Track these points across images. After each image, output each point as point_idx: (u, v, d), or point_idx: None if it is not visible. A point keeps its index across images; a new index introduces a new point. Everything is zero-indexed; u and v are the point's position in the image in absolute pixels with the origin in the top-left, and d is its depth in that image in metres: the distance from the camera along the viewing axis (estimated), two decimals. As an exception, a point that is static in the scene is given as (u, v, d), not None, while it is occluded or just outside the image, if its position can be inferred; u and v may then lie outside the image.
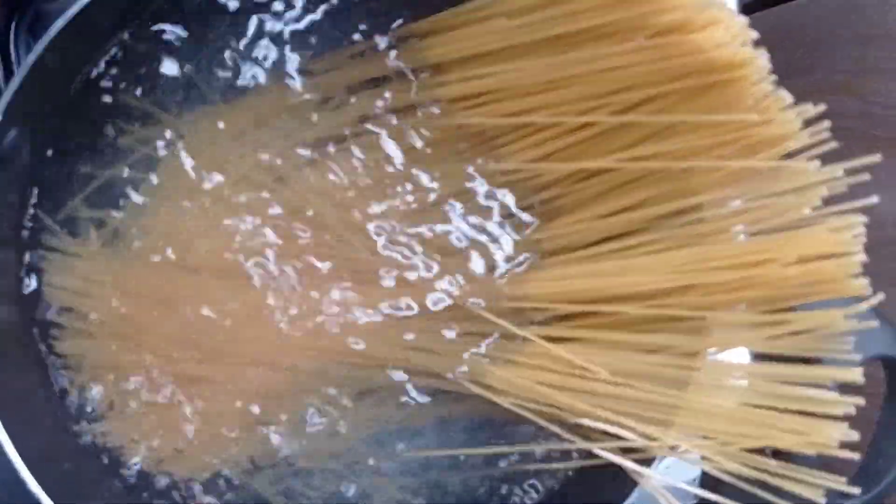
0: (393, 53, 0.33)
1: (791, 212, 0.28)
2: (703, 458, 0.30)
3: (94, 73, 0.33)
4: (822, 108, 0.26)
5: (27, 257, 0.33)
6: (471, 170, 0.34)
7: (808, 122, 0.27)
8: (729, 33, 0.26)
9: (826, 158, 0.27)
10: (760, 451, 0.30)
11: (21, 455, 0.29)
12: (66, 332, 0.33)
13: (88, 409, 0.34)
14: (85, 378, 0.34)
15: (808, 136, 0.27)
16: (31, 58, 0.29)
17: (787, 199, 0.28)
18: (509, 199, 0.34)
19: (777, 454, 0.31)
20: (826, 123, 0.26)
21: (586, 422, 0.32)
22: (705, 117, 0.28)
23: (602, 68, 0.28)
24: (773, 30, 0.28)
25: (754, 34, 0.27)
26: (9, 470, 0.29)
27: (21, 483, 0.29)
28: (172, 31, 0.34)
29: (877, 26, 0.33)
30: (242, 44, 0.34)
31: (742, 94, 0.27)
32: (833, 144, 0.27)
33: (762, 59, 0.27)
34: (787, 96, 0.27)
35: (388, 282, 0.35)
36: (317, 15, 0.34)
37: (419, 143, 0.33)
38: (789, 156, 0.28)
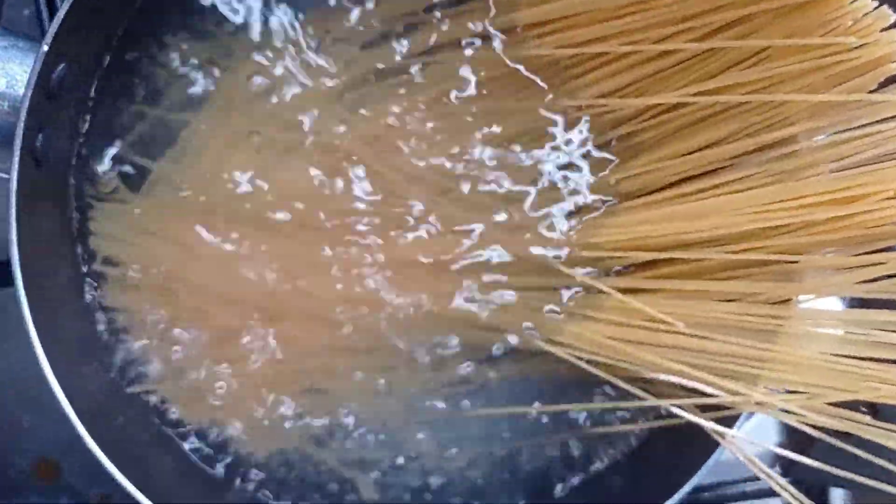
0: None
1: (890, 142, 0.30)
2: (791, 413, 0.33)
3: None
4: (928, 25, 0.28)
5: (74, 204, 0.37)
6: (543, 105, 0.36)
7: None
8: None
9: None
10: (854, 407, 0.32)
11: (76, 411, 0.32)
12: (111, 284, 0.37)
13: (136, 367, 0.37)
14: (131, 333, 0.37)
15: (913, 58, 0.29)
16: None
17: (888, 128, 0.30)
18: (585, 136, 0.36)
19: (873, 409, 0.33)
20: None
21: (664, 377, 0.35)
22: (797, 41, 0.29)
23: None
24: None
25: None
26: (66, 426, 0.32)
27: (79, 439, 0.32)
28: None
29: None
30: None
31: (839, 12, 0.29)
32: (941, 67, 0.29)
33: (862, -27, 0.28)
34: (889, 14, 0.29)
35: (447, 231, 0.37)
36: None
37: (494, 73, 0.35)
38: (891, 80, 0.30)
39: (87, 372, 0.36)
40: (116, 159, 0.37)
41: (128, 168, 0.37)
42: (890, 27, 0.29)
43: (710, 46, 0.31)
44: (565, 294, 0.37)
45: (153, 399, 0.38)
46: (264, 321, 0.37)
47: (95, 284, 0.37)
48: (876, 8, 0.29)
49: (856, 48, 0.29)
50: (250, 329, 0.37)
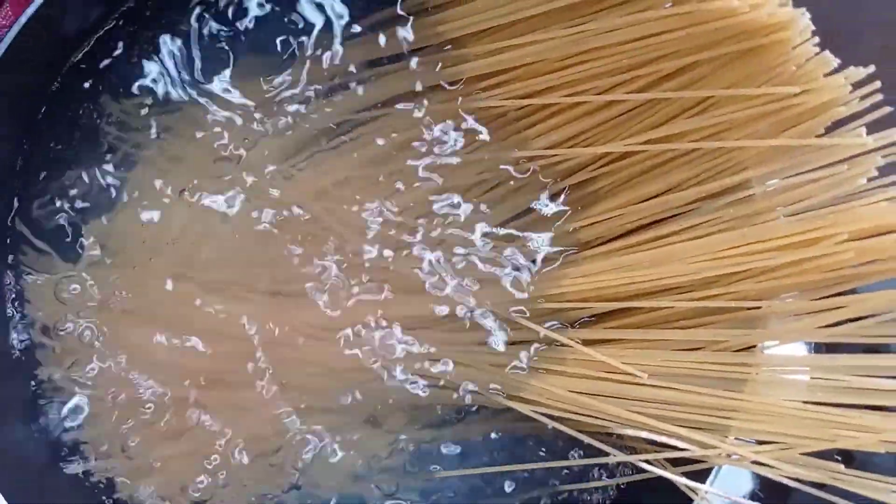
0: (406, 28, 0.36)
1: (844, 184, 0.30)
2: (765, 465, 0.33)
3: (75, 60, 0.37)
4: (871, 68, 0.29)
5: (9, 275, 0.36)
6: (494, 157, 0.36)
7: (857, 86, 0.29)
8: (764, -8, 0.29)
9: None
10: (829, 455, 0.33)
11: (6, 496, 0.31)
12: (49, 354, 0.36)
13: (73, 434, 0.36)
14: (70, 400, 0.36)
15: (858, 102, 0.29)
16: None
17: (840, 171, 0.30)
18: (540, 186, 0.36)
19: (847, 456, 0.33)
20: (877, 84, 0.29)
21: (632, 432, 0.34)
22: (738, 91, 0.30)
23: (626, 39, 0.31)
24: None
25: (793, -8, 0.29)
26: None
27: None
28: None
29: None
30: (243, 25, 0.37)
31: (783, 59, 0.30)
32: (887, 109, 0.29)
33: (803, 19, 0.29)
34: (831, 59, 0.29)
35: (404, 288, 0.37)
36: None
37: (437, 132, 0.36)
38: (840, 122, 0.31)
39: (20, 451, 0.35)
40: (51, 226, 0.37)
41: (61, 233, 0.37)
42: (833, 72, 0.30)
43: (652, 97, 0.32)
44: (527, 348, 0.37)
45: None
46: (205, 389, 0.37)
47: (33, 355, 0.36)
48: (817, 54, 0.30)
49: (802, 94, 0.30)
50: (190, 400, 0.37)
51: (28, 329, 0.36)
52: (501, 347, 0.37)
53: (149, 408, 0.36)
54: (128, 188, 0.37)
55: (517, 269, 0.37)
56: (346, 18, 0.37)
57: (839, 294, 0.32)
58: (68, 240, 0.37)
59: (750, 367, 0.34)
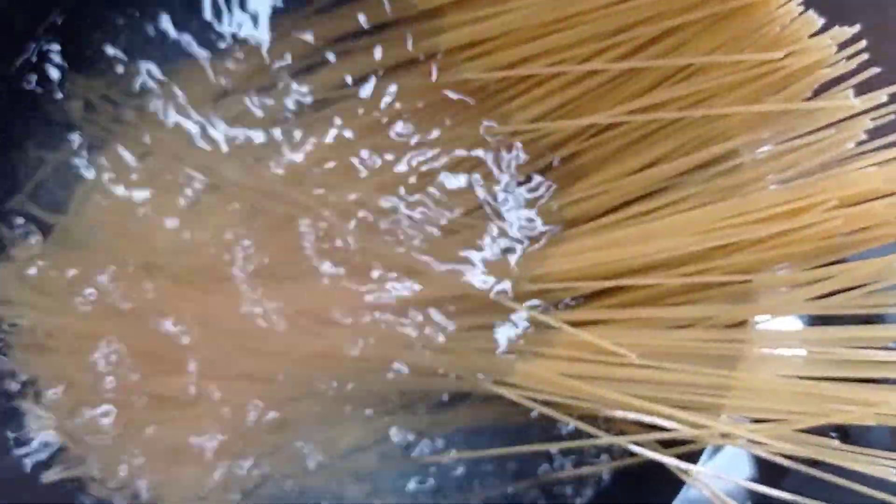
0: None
1: (832, 149, 0.30)
2: (759, 443, 0.32)
3: (36, 46, 0.36)
4: (856, 27, 0.29)
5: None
6: (474, 132, 0.36)
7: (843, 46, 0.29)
8: (746, -49, 0.28)
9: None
10: (824, 431, 0.32)
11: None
12: (14, 348, 0.35)
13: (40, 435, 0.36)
14: (37, 398, 0.35)
15: (845, 63, 0.29)
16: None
17: (828, 135, 0.30)
18: (522, 162, 0.36)
19: (843, 432, 0.33)
20: (863, 43, 0.29)
21: (622, 414, 0.34)
22: (721, 58, 0.30)
23: (605, 3, 0.30)
24: None
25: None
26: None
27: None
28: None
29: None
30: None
31: (766, 19, 0.29)
32: (875, 70, 0.29)
33: (787, -22, 0.29)
34: (816, 19, 0.29)
35: (383, 271, 0.36)
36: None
37: (417, 105, 0.35)
38: (826, 86, 0.30)
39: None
40: (13, 214, 0.36)
41: (26, 222, 0.36)
42: (818, 33, 0.29)
43: (633, 66, 0.31)
44: (513, 331, 0.36)
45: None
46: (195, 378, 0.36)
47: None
48: (802, 13, 0.29)
49: (787, 56, 0.29)
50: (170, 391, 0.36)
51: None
52: (489, 330, 0.36)
53: (115, 402, 0.35)
54: (92, 174, 0.36)
55: (501, 249, 0.37)
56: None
57: (830, 264, 0.32)
58: (28, 227, 0.36)
59: (742, 342, 0.33)
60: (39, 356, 0.35)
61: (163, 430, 0.36)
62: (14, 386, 0.36)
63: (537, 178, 0.37)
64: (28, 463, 0.35)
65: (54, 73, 0.36)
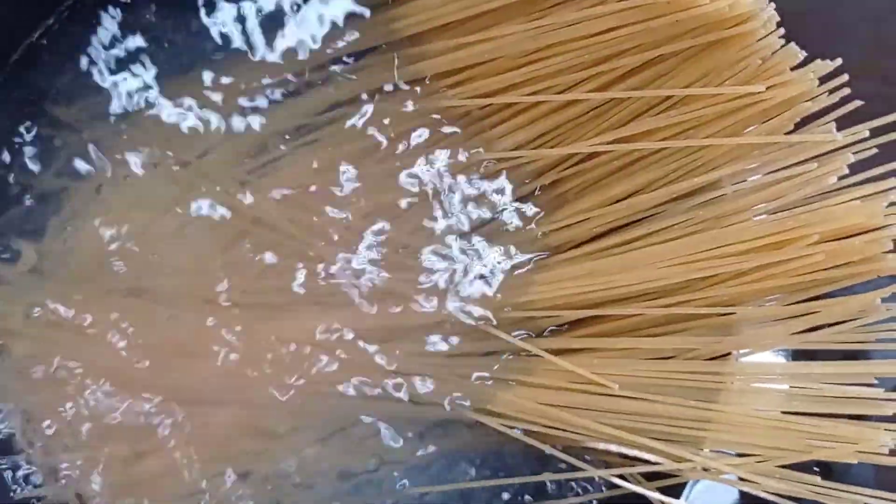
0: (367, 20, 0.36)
1: (815, 183, 0.30)
2: (741, 479, 0.32)
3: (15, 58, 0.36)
4: (838, 61, 0.29)
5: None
6: (459, 158, 0.36)
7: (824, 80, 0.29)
8: (725, -17, 0.28)
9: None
10: (807, 466, 0.32)
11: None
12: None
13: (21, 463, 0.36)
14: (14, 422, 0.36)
15: (827, 97, 0.29)
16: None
17: (810, 169, 0.30)
18: (507, 188, 0.36)
19: (825, 468, 0.32)
20: (845, 77, 0.29)
21: (603, 446, 0.34)
22: (702, 90, 0.30)
23: (584, 34, 0.31)
24: (781, 13, 0.30)
25: (758, -20, 0.29)
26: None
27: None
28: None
29: (893, 2, 0.36)
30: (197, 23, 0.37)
31: (748, 51, 0.29)
32: (858, 102, 0.29)
33: (767, 10, 0.29)
34: (798, 52, 0.29)
35: (367, 298, 0.37)
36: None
37: (403, 129, 0.35)
38: (810, 118, 0.30)
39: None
40: None
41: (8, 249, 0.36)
42: (799, 65, 0.29)
43: (612, 97, 0.31)
44: (495, 359, 0.36)
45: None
46: (174, 405, 0.36)
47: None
48: (783, 46, 0.29)
49: (768, 89, 0.29)
50: (155, 416, 0.36)
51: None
52: (469, 357, 0.36)
53: (103, 425, 0.36)
54: (73, 198, 0.36)
55: (483, 276, 0.37)
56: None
57: (813, 298, 0.32)
58: (6, 253, 0.36)
59: (723, 375, 0.33)
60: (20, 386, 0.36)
61: (142, 457, 0.36)
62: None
63: (520, 205, 0.37)
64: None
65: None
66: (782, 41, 0.29)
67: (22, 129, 0.37)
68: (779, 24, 0.29)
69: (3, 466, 0.36)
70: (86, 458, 0.36)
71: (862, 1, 0.39)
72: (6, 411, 0.36)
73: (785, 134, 0.30)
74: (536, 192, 0.36)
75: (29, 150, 0.37)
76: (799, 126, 0.30)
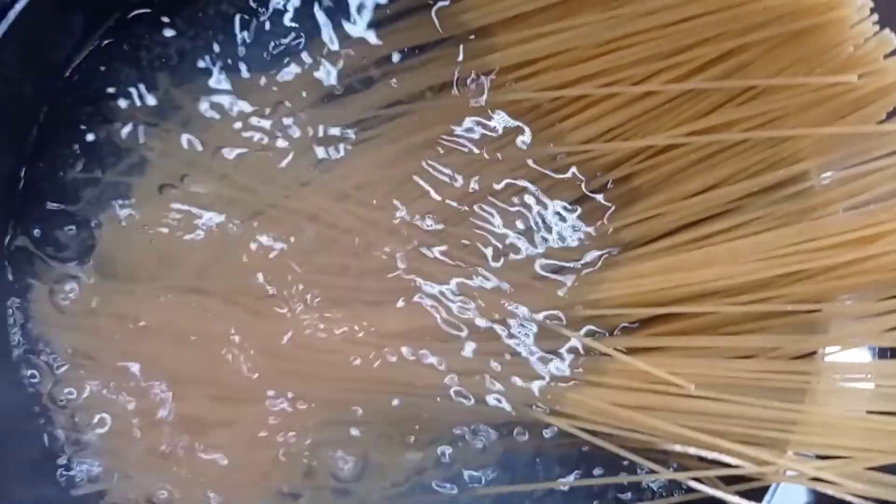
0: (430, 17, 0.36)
1: (905, 175, 0.29)
2: (827, 482, 0.31)
3: (79, 60, 0.37)
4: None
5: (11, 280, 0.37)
6: (528, 153, 0.36)
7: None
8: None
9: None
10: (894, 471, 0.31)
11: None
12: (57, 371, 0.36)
13: (86, 461, 0.36)
14: (82, 419, 0.36)
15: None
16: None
17: (901, 161, 0.29)
18: (577, 183, 0.36)
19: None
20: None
21: (680, 448, 0.33)
22: (790, 80, 0.29)
23: (664, 23, 0.30)
24: None
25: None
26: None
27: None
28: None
29: None
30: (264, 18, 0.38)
31: (839, 39, 0.28)
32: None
33: (860, -5, 0.28)
34: (893, 38, 0.28)
35: (433, 297, 0.36)
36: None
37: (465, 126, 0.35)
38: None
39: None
40: (54, 233, 0.37)
41: (69, 242, 0.37)
42: (894, 52, 0.29)
43: (692, 87, 0.31)
44: (565, 359, 0.36)
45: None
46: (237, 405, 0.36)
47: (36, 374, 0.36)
48: (877, 33, 0.28)
49: (860, 77, 0.29)
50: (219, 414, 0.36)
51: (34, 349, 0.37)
52: (538, 358, 0.36)
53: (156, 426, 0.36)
54: (135, 198, 0.37)
55: (553, 273, 0.36)
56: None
57: (904, 295, 0.31)
58: (73, 254, 0.37)
59: (809, 375, 0.32)
60: (81, 381, 0.36)
61: (203, 452, 0.36)
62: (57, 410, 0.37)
63: (592, 200, 0.36)
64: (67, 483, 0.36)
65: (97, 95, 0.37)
66: (876, 27, 0.29)
67: (86, 126, 0.37)
68: (872, 11, 0.28)
69: (63, 463, 0.36)
70: (148, 452, 0.36)
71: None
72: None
73: (877, 124, 0.30)
74: (609, 187, 0.36)
75: (92, 147, 0.37)
76: (892, 115, 0.30)
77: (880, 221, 0.30)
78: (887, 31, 0.29)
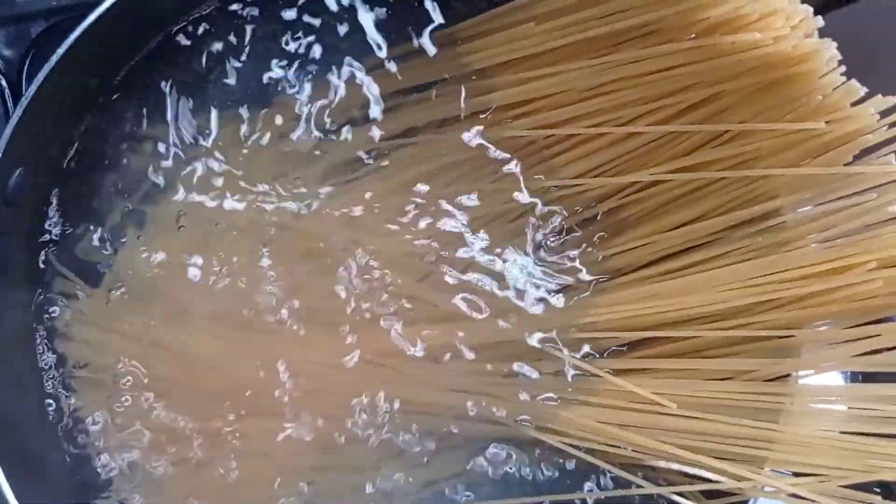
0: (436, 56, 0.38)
1: (873, 212, 0.32)
2: (802, 498, 0.34)
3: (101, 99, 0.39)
4: (900, 97, 0.30)
5: (42, 303, 0.39)
6: (521, 185, 0.38)
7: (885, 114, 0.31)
8: (789, 24, 0.30)
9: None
10: (868, 487, 0.34)
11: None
12: (83, 389, 0.39)
13: (110, 475, 0.39)
14: (106, 440, 0.38)
15: (886, 130, 0.31)
16: (32, 90, 0.34)
17: (869, 199, 0.32)
18: (568, 213, 0.38)
19: (886, 488, 0.34)
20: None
21: (663, 464, 0.36)
22: (763, 126, 0.32)
23: (648, 70, 0.33)
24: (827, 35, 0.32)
25: (819, 21, 0.31)
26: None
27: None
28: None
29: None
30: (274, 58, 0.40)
31: (809, 89, 0.31)
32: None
33: (828, 49, 0.31)
34: (858, 88, 0.31)
35: (432, 319, 0.39)
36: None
37: (468, 156, 0.38)
38: (869, 149, 0.32)
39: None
40: (81, 258, 0.39)
41: (95, 266, 0.39)
42: (860, 101, 0.31)
43: (674, 129, 0.33)
44: (557, 378, 0.38)
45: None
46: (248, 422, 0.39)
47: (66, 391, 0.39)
48: (844, 83, 0.31)
49: (828, 123, 0.31)
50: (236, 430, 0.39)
51: (62, 370, 0.39)
52: (533, 377, 0.38)
53: (180, 441, 0.38)
54: (152, 224, 0.39)
55: (548, 297, 0.39)
56: (384, 48, 0.39)
57: (874, 322, 0.33)
58: (99, 275, 0.39)
59: (784, 396, 0.35)
60: (103, 396, 0.39)
61: (217, 468, 0.39)
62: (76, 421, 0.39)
63: (583, 230, 0.39)
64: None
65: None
66: (843, 78, 0.31)
67: (115, 154, 0.40)
68: (840, 62, 0.31)
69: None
70: (153, 458, 0.38)
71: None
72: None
73: (844, 165, 0.32)
74: (598, 217, 0.39)
75: (113, 175, 0.40)
76: (860, 157, 0.32)
77: (847, 255, 0.32)
78: (853, 81, 0.31)
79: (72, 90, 0.37)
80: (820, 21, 0.31)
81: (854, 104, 0.31)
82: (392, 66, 0.39)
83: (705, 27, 0.31)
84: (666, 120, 0.35)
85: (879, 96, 0.31)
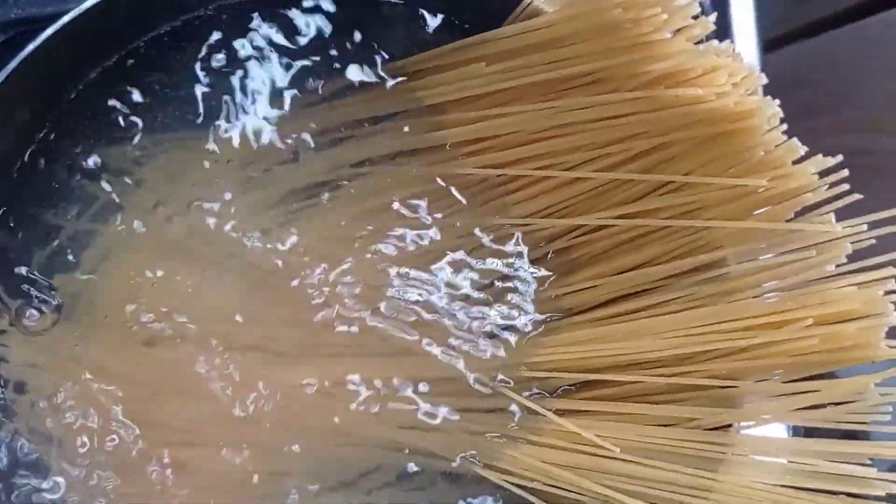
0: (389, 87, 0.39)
1: (813, 268, 0.32)
2: (738, 548, 0.34)
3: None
4: (839, 158, 0.31)
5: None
6: (472, 223, 0.39)
7: (827, 172, 0.32)
8: (731, 81, 0.31)
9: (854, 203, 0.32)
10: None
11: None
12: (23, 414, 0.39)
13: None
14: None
15: (826, 189, 0.32)
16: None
17: (810, 255, 0.32)
18: (520, 251, 0.39)
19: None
20: (845, 173, 0.31)
21: (608, 509, 0.36)
22: (706, 179, 0.33)
23: (595, 117, 0.34)
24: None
25: (762, 79, 0.32)
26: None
27: None
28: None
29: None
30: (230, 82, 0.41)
31: (751, 143, 0.32)
32: (856, 196, 0.32)
33: (771, 107, 0.32)
34: (799, 147, 0.32)
35: (380, 351, 0.40)
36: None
37: (419, 191, 0.39)
38: (812, 206, 0.33)
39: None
40: (25, 281, 0.39)
41: (37, 289, 0.39)
42: (801, 159, 0.32)
43: (617, 177, 0.34)
44: (504, 416, 0.39)
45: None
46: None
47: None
48: (786, 141, 0.32)
49: (771, 179, 0.32)
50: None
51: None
52: (479, 413, 0.39)
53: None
54: (103, 242, 0.39)
55: (496, 334, 0.40)
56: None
57: (815, 377, 0.34)
58: (41, 294, 0.39)
59: (724, 446, 0.35)
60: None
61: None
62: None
63: (533, 268, 0.40)
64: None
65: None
66: (784, 137, 0.32)
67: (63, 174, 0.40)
68: (782, 120, 0.32)
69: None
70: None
71: (877, 54, 0.41)
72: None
73: (786, 221, 0.33)
74: (549, 256, 0.39)
75: (66, 193, 0.40)
76: (804, 212, 0.33)
77: (786, 310, 0.33)
78: (795, 140, 0.32)
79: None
80: (764, 79, 0.32)
81: (796, 162, 0.32)
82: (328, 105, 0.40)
83: (650, 79, 0.32)
84: (614, 166, 0.35)
85: (819, 156, 0.32)
